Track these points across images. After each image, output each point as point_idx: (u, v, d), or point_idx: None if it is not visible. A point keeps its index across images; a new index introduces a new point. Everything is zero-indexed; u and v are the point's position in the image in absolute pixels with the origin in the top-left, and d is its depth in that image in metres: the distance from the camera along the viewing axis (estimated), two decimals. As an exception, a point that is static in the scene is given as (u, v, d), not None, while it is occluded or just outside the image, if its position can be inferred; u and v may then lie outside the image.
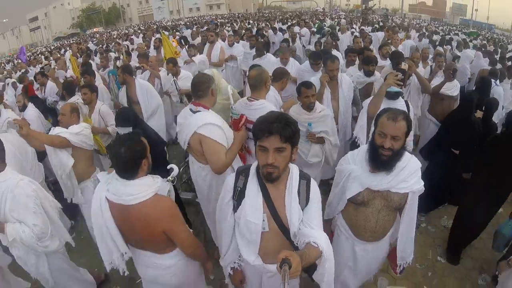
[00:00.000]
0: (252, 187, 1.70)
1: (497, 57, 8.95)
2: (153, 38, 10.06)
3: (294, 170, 1.71)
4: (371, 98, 3.35)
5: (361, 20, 20.53)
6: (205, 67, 5.90)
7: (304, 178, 1.71)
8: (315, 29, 10.86)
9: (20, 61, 12.86)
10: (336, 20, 21.92)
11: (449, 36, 13.97)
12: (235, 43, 7.16)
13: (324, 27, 11.04)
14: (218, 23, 19.21)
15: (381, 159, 1.85)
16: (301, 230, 1.63)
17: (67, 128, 2.97)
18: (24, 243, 2.23)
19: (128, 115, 3.11)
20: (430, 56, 6.02)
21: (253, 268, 1.84)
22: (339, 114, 3.87)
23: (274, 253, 1.53)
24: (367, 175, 1.96)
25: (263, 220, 1.66)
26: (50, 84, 5.91)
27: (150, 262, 1.98)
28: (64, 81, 5.16)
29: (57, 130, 2.96)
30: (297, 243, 1.65)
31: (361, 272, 2.34)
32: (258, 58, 5.64)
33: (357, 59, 4.87)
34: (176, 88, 4.76)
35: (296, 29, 10.65)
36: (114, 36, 21.59)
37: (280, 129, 1.48)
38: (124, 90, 4.56)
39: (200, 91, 2.58)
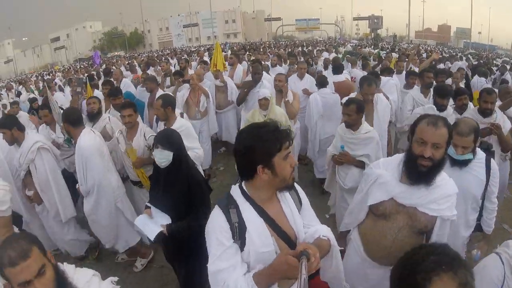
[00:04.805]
0: (251, 215, 1.48)
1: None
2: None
3: None
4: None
5: (373, 46, 22.25)
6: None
7: None
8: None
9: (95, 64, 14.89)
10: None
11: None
12: (277, 65, 7.76)
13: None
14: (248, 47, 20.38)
15: (420, 170, 1.67)
16: (307, 233, 1.56)
17: None
18: None
19: (174, 137, 2.48)
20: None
21: None
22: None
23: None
24: (396, 184, 1.77)
25: (273, 244, 1.48)
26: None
27: None
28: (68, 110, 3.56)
29: None
30: None
31: None
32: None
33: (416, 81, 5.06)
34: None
35: (325, 54, 12.14)
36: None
37: (289, 134, 1.45)
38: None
39: None
